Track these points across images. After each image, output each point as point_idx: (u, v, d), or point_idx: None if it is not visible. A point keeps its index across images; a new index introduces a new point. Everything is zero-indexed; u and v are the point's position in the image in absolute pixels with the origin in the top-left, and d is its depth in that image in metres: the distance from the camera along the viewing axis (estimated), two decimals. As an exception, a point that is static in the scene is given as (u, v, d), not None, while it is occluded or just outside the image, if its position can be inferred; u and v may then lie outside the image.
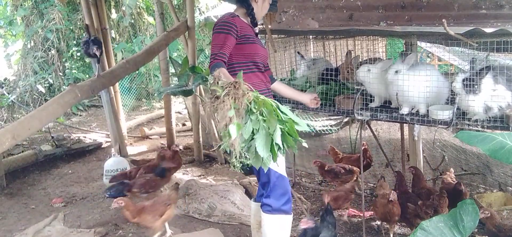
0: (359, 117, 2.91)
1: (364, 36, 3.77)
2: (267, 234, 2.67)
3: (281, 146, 1.96)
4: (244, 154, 2.03)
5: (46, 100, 7.69)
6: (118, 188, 3.56)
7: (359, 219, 3.60)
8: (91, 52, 4.40)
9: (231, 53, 2.56)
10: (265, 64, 2.83)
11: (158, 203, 3.17)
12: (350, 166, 3.95)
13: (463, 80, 2.49)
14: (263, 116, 1.96)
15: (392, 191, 3.08)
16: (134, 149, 6.19)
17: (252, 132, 1.96)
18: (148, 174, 3.86)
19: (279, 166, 2.54)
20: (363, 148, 3.70)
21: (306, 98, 3.02)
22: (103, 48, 4.63)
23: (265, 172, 2.49)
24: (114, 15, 9.81)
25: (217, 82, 2.00)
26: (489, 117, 2.55)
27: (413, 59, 2.74)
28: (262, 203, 2.68)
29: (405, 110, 2.75)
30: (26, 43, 9.19)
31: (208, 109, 2.10)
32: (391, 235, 3.18)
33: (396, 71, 2.70)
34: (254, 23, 2.75)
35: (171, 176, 4.12)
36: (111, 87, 5.69)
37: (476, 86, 2.46)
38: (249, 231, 3.52)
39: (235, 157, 1.96)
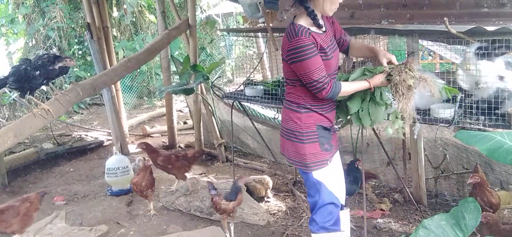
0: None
1: (366, 35, 3.76)
2: None
3: None
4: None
5: (47, 98, 7.69)
6: None
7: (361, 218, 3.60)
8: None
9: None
10: (332, 75, 2.44)
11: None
12: None
13: (477, 48, 2.48)
14: None
15: None
16: (135, 147, 6.20)
17: None
18: None
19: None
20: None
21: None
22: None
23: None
24: (115, 13, 9.81)
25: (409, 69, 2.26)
26: (491, 117, 2.54)
27: None
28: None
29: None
30: (27, 41, 9.20)
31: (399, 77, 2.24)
32: None
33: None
34: (318, 25, 2.36)
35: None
36: (113, 86, 5.70)
37: (491, 54, 2.45)
38: (249, 229, 3.53)
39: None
